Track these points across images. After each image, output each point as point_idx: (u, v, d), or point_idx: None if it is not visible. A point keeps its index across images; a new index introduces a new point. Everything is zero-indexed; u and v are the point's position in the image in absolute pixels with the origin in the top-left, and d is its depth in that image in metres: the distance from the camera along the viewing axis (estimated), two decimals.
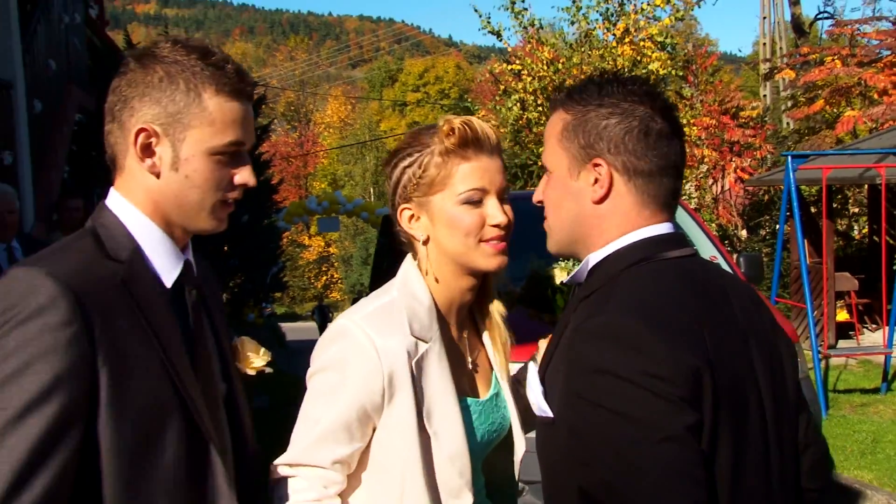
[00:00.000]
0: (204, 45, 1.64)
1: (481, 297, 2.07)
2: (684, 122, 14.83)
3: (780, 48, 21.21)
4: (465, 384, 1.99)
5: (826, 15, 19.34)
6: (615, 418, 1.41)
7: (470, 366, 2.04)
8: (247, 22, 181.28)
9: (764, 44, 21.83)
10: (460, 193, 1.89)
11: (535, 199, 1.74)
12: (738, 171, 16.22)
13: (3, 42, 7.74)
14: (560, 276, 2.35)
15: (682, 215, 7.51)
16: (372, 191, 54.28)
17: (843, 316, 12.40)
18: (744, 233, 17.22)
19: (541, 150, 15.66)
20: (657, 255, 1.59)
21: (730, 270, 6.66)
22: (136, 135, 1.58)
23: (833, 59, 15.50)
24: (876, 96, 14.89)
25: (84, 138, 11.05)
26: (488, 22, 14.76)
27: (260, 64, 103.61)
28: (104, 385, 1.45)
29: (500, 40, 15.11)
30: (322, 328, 33.25)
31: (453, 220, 1.90)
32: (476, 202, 1.91)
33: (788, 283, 13.06)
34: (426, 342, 1.90)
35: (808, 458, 1.69)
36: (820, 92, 15.82)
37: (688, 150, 15.67)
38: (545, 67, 14.46)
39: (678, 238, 1.64)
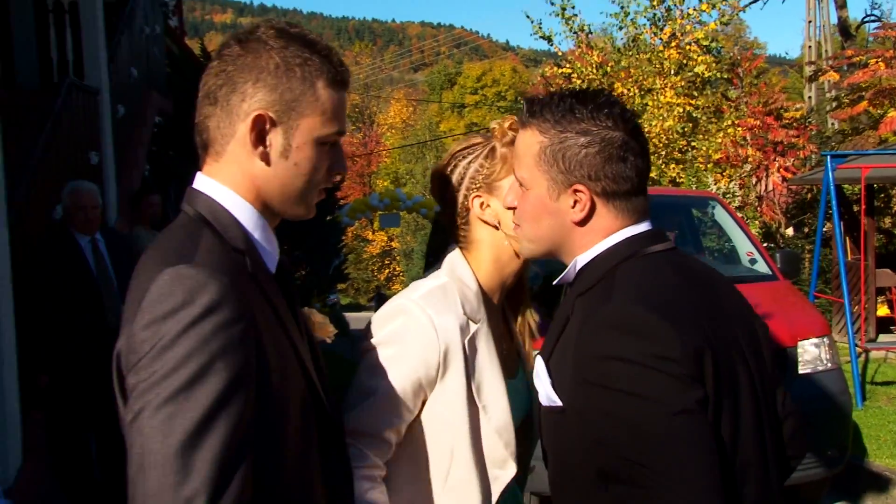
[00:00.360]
0: (304, 33, 1.57)
1: (518, 283, 2.16)
2: (728, 123, 14.72)
3: (826, 51, 20.88)
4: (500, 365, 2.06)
5: (872, 18, 19.04)
6: (629, 399, 1.45)
7: (502, 348, 2.10)
8: (315, 29, 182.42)
9: (809, 47, 21.51)
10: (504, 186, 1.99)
11: (508, 203, 1.80)
12: (781, 170, 16.04)
13: (91, 53, 8.01)
14: None
15: (721, 213, 7.55)
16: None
17: (883, 311, 12.24)
18: (789, 231, 17.03)
19: None
20: (644, 250, 1.63)
21: (766, 266, 6.70)
22: (254, 121, 1.49)
23: (877, 62, 15.24)
24: None
25: (162, 139, 11.37)
26: (540, 27, 14.82)
27: None
28: (259, 377, 1.41)
29: (552, 45, 15.17)
30: None
31: None
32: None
33: (830, 279, 12.93)
34: (476, 322, 1.98)
35: (788, 428, 1.76)
36: (863, 93, 15.58)
37: (732, 150, 15.68)
38: (594, 70, 14.48)
39: (658, 233, 1.67)
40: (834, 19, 20.40)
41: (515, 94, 59.59)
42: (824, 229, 10.68)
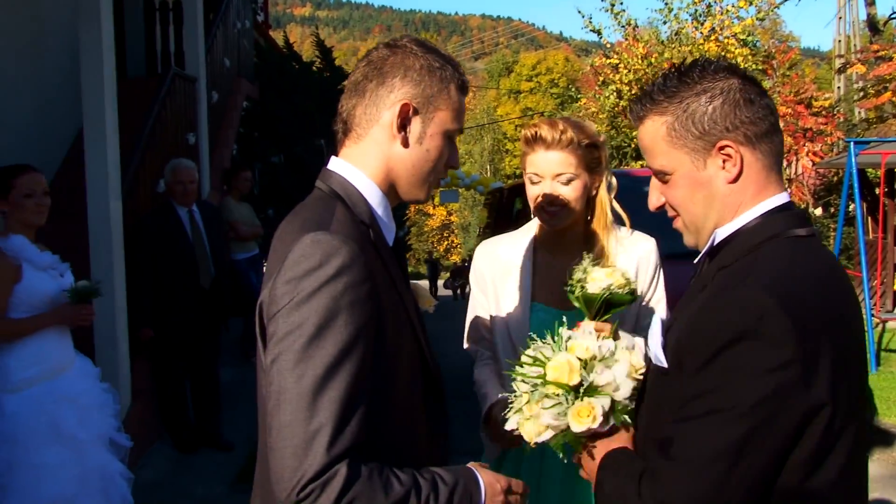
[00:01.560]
0: (437, 47, 1.69)
1: None
2: None
3: (854, 45, 20.33)
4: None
5: None
6: (744, 384, 1.30)
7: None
8: (385, 21, 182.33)
9: (839, 41, 20.96)
10: (526, 174, 2.39)
11: (653, 205, 1.60)
12: (810, 154, 15.75)
13: (191, 45, 8.21)
14: (600, 279, 2.13)
15: None
16: (488, 167, 54.34)
17: None
18: (818, 210, 16.74)
19: (634, 133, 15.51)
20: (788, 232, 1.45)
21: None
22: (401, 108, 1.59)
23: None
24: None
25: (249, 122, 11.60)
26: (590, 21, 14.71)
27: None
28: (379, 332, 1.50)
29: (601, 37, 15.05)
30: (432, 279, 33.50)
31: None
32: (534, 182, 2.35)
33: (852, 256, 12.72)
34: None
35: None
36: (888, 85, 15.17)
37: None
38: (640, 61, 14.34)
39: (801, 215, 1.50)
40: (863, 15, 19.81)
41: (567, 82, 58.99)
42: (847, 209, 10.53)
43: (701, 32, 14.39)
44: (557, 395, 1.60)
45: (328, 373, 1.39)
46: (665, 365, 1.48)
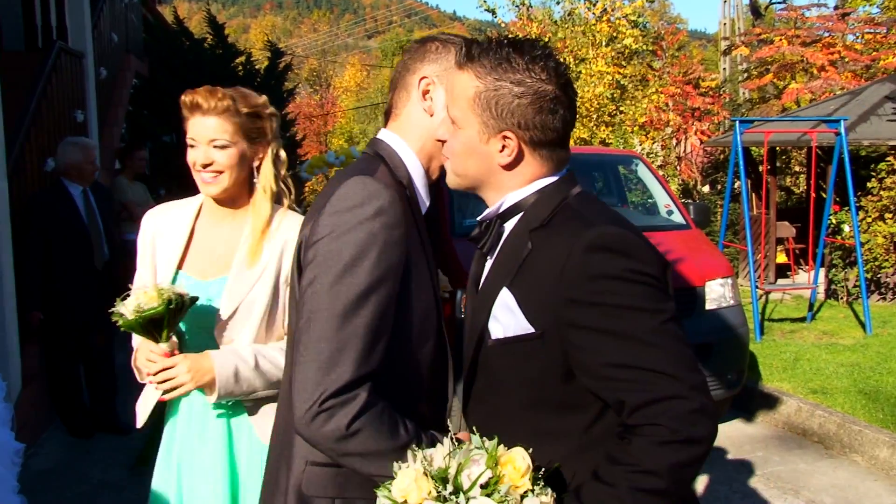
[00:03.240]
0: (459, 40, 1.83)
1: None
2: (653, 90, 15.01)
3: (739, 28, 21.22)
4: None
5: (779, 0, 19.43)
6: (620, 311, 1.43)
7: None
8: None
9: (724, 24, 21.85)
10: (187, 139, 2.43)
11: (440, 135, 1.72)
12: (698, 133, 16.40)
13: (76, 20, 7.94)
14: (146, 300, 2.21)
15: (643, 170, 7.81)
16: None
17: (782, 258, 12.67)
18: (705, 188, 17.42)
19: None
20: (573, 191, 1.63)
21: (681, 217, 6.98)
22: (420, 80, 1.76)
23: (780, 39, 15.61)
24: (815, 72, 15.04)
25: (139, 100, 11.28)
26: (485, 1, 14.88)
27: (287, 35, 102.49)
28: (403, 278, 1.62)
29: (495, 17, 15.25)
30: None
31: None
32: (191, 147, 2.41)
33: (738, 231, 13.33)
34: None
35: None
36: (769, 67, 15.95)
37: (655, 115, 15.98)
38: None
39: (573, 177, 1.67)
40: (746, 0, 20.74)
41: None
42: (734, 186, 11.03)
43: (593, 13, 14.77)
44: None
45: (359, 299, 1.53)
46: (533, 331, 1.53)
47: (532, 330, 1.53)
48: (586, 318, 1.46)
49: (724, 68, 21.52)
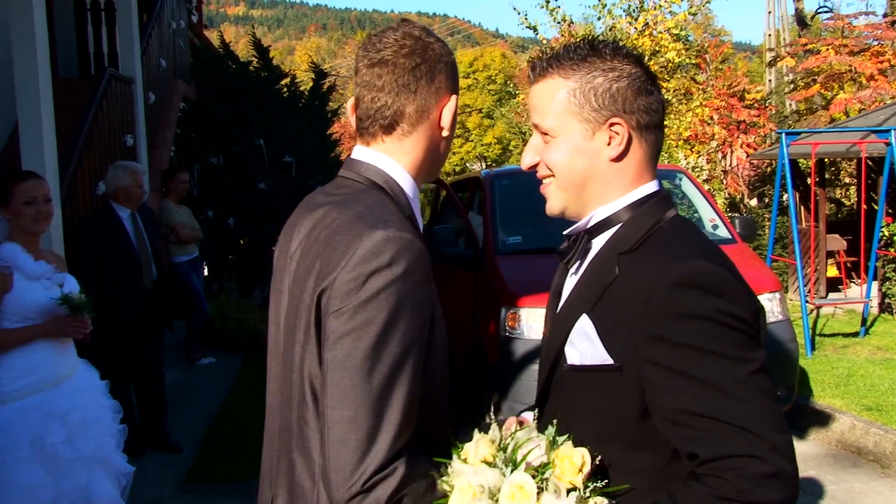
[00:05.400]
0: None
1: None
2: (697, 104, 14.87)
3: (784, 39, 20.97)
4: None
5: (825, 9, 19.13)
6: (712, 356, 1.34)
7: None
8: (320, 19, 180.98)
9: (769, 35, 21.60)
10: None
11: (526, 165, 1.64)
12: (744, 146, 16.21)
13: (126, 47, 8.11)
14: None
15: (687, 184, 7.73)
16: None
17: (832, 272, 12.44)
18: (753, 202, 17.20)
19: None
20: (668, 214, 1.54)
21: (726, 231, 6.89)
22: (451, 101, 1.64)
23: (827, 49, 15.38)
24: (864, 81, 14.78)
25: (187, 123, 11.48)
26: (526, 18, 14.90)
27: (331, 56, 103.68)
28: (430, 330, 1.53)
29: (537, 34, 15.26)
30: None
31: None
32: None
33: (786, 244, 13.12)
34: None
35: None
36: (816, 77, 15.72)
37: (700, 129, 15.83)
38: None
39: (669, 196, 1.59)
40: (791, 10, 20.48)
41: (505, 79, 59.39)
42: (781, 199, 10.87)
43: (635, 28, 14.69)
44: None
45: (394, 371, 1.42)
46: (611, 362, 1.46)
47: (610, 362, 1.46)
48: (667, 358, 1.37)
49: (770, 80, 21.27)
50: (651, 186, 1.56)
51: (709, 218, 7.29)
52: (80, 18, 9.15)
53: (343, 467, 1.40)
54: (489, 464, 1.43)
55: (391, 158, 1.63)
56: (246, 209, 11.11)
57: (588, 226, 1.57)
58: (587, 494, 1.38)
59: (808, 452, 5.93)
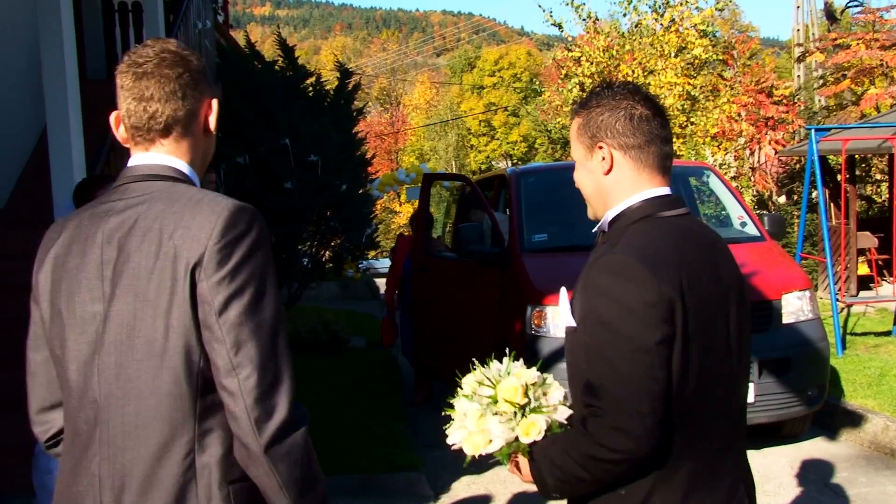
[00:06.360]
0: None
1: None
2: (724, 100, 14.70)
3: (813, 34, 20.69)
4: None
5: (855, 3, 18.80)
6: (607, 331, 1.72)
7: None
8: (346, 19, 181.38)
9: (798, 30, 21.30)
10: None
11: (577, 185, 2.04)
12: (772, 143, 16.02)
13: None
14: None
15: (715, 181, 7.65)
16: (453, 163, 54.44)
17: (863, 270, 12.28)
18: (782, 199, 17.01)
19: None
20: (656, 214, 1.86)
21: (755, 229, 6.79)
22: (214, 103, 1.83)
23: (858, 43, 15.14)
24: None
25: None
26: (551, 15, 14.82)
27: (357, 55, 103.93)
28: None
29: (562, 31, 15.16)
30: None
31: None
32: None
33: (816, 242, 12.96)
34: None
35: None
36: (846, 73, 15.50)
37: (727, 125, 15.67)
38: (601, 54, 14.48)
39: (674, 199, 1.90)
40: (820, 4, 20.23)
41: (530, 76, 59.19)
42: (810, 196, 10.73)
43: (661, 24, 14.57)
44: (507, 412, 1.85)
45: (276, 322, 1.64)
46: (574, 325, 1.83)
47: (573, 324, 1.84)
48: (580, 323, 1.80)
49: (799, 76, 21.01)
50: (652, 192, 1.90)
51: (737, 215, 7.21)
52: (108, 20, 9.20)
53: (260, 418, 1.56)
54: (468, 397, 1.92)
55: (173, 157, 1.77)
56: (272, 208, 11.12)
57: (604, 227, 1.95)
58: (525, 414, 1.84)
59: (840, 453, 5.84)
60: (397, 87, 69.43)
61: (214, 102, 1.81)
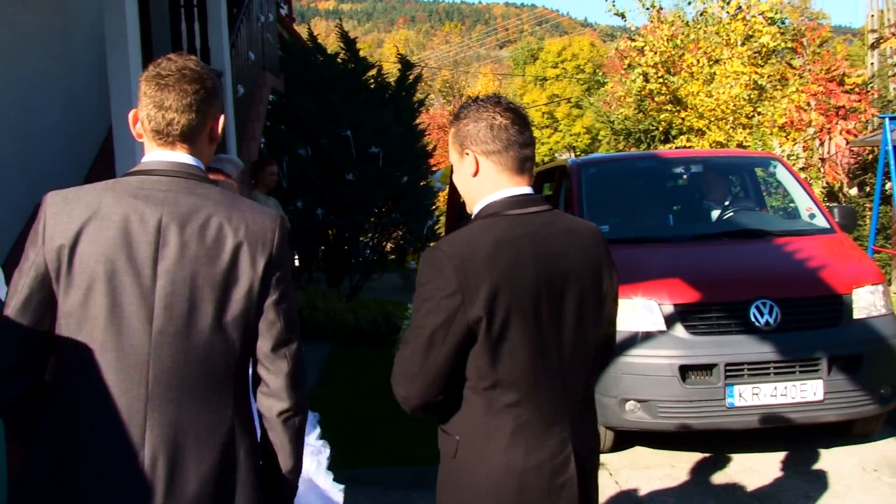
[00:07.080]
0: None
1: None
2: (793, 89, 14.27)
3: (888, 19, 19.97)
4: None
5: None
6: (418, 308, 2.06)
7: None
8: (409, 12, 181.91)
9: (872, 15, 20.58)
10: None
11: (455, 185, 2.37)
12: (843, 133, 15.52)
13: (216, 40, 8.25)
14: None
15: (782, 172, 7.39)
16: None
17: None
18: (853, 190, 16.50)
19: (661, 116, 15.11)
20: (503, 212, 2.12)
21: (824, 221, 6.54)
22: (221, 118, 2.11)
23: None
24: None
25: (275, 115, 11.64)
26: (614, 5, 14.57)
27: (420, 48, 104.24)
28: None
29: (625, 21, 14.90)
30: None
31: None
32: None
33: (890, 235, 12.54)
34: None
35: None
36: None
37: (796, 115, 15.20)
38: (665, 43, 14.20)
39: (530, 198, 2.16)
40: None
41: (593, 67, 58.56)
42: (884, 188, 10.36)
43: (727, 12, 14.23)
44: None
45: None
46: None
47: None
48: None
49: (872, 63, 20.29)
50: (511, 191, 2.16)
51: (805, 207, 6.96)
52: (175, 14, 9.34)
53: (292, 393, 1.96)
54: None
55: (192, 157, 2.01)
56: (334, 200, 11.20)
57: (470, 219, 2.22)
58: None
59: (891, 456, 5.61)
60: (460, 79, 69.35)
61: (221, 117, 2.08)
